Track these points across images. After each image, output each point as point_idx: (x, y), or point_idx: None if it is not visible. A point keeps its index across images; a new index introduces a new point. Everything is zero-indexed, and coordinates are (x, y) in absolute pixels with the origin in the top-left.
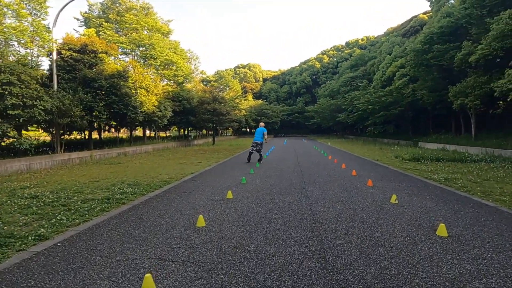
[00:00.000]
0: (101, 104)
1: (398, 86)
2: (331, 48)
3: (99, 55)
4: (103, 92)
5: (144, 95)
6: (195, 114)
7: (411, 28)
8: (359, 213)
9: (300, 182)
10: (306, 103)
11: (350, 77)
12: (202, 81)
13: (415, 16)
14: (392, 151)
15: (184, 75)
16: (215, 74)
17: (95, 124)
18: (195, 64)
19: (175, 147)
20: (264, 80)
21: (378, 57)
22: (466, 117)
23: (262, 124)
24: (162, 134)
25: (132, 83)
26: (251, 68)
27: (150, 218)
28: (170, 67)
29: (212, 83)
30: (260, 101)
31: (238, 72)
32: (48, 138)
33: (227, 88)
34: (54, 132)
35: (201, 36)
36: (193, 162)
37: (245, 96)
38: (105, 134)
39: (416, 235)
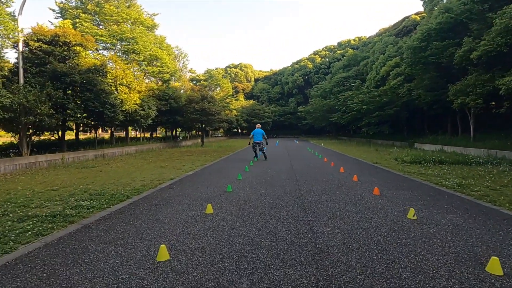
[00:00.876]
0: (76, 102)
1: (393, 86)
2: (323, 48)
3: (73, 47)
4: (78, 88)
5: (125, 93)
6: (182, 114)
7: (404, 28)
8: (373, 236)
9: (295, 191)
10: (298, 104)
11: (343, 77)
12: (192, 80)
13: (407, 17)
14: (389, 152)
15: (171, 72)
16: (205, 73)
17: (70, 124)
18: (183, 62)
19: (161, 148)
20: (256, 80)
21: (371, 57)
22: (463, 117)
23: (259, 125)
24: (148, 134)
25: (112, 79)
26: (243, 68)
27: (97, 247)
28: (155, 63)
29: (202, 82)
30: (251, 101)
31: (229, 72)
32: (15, 139)
33: (218, 88)
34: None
35: (191, 35)
36: (176, 165)
37: (237, 96)
38: (87, 135)
39: (461, 275)
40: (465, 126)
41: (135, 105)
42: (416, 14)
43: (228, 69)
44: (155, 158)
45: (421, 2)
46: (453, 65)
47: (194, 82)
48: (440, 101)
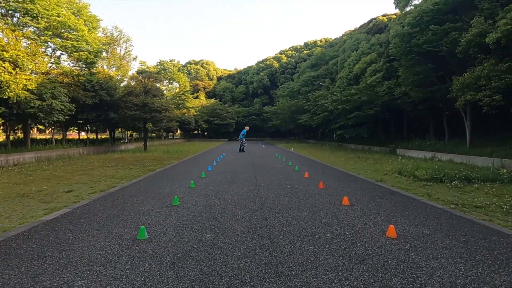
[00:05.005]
0: None
1: (371, 83)
2: (289, 48)
3: None
4: None
5: (8, 72)
6: (118, 110)
7: (375, 26)
8: None
9: (267, 266)
10: (263, 105)
11: (311, 77)
12: (141, 72)
13: (374, 18)
14: (378, 161)
15: (94, 52)
16: (157, 65)
17: None
18: (125, 47)
19: (83, 154)
20: (219, 78)
21: (342, 55)
22: (451, 119)
23: (247, 128)
24: (76, 135)
25: None
26: (204, 65)
27: None
28: (66, 35)
29: (155, 75)
30: (213, 100)
31: (189, 68)
32: None
33: (173, 83)
34: None
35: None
36: (56, 190)
37: (197, 95)
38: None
39: None
40: (454, 129)
41: (25, 92)
42: (383, 15)
43: (188, 65)
44: (49, 173)
45: (387, 4)
46: (455, 54)
47: (144, 75)
48: (427, 100)
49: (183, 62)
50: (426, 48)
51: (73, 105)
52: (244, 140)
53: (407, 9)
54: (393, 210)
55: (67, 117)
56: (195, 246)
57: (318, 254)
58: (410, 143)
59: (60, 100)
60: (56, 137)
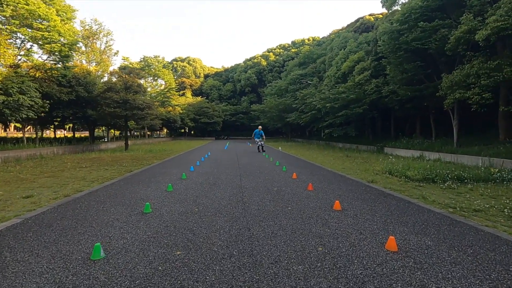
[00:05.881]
0: None
1: (359, 82)
2: (277, 46)
3: None
4: None
5: None
6: (97, 107)
7: (362, 25)
8: None
9: None
10: (251, 103)
11: (299, 75)
12: (124, 68)
13: (361, 18)
14: (367, 160)
15: (69, 45)
16: (141, 61)
17: None
18: (106, 41)
19: (59, 154)
20: (206, 76)
21: (329, 53)
22: (437, 118)
23: (260, 127)
24: (58, 134)
25: None
26: (191, 62)
27: None
28: (35, 24)
29: (137, 71)
30: (199, 98)
31: (175, 65)
32: None
33: (158, 80)
34: None
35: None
36: (13, 196)
37: (183, 92)
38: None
39: None
40: (441, 128)
41: None
42: (370, 15)
43: (174, 62)
44: (3, 176)
45: (374, 4)
46: (444, 52)
47: (126, 70)
48: (415, 99)
49: (169, 59)
50: (415, 46)
51: (47, 101)
52: (258, 139)
53: (394, 8)
54: (389, 215)
55: (41, 114)
56: (160, 268)
57: (308, 277)
58: (398, 141)
59: (29, 96)
60: (34, 135)
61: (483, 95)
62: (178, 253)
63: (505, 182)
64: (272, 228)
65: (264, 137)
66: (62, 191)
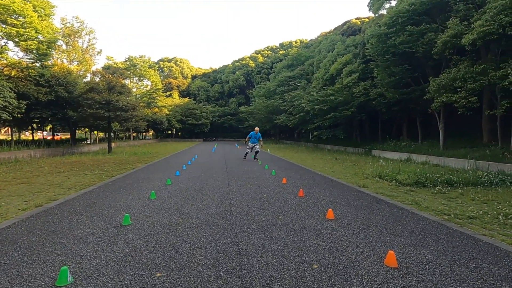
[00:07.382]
0: None
1: (347, 84)
2: (265, 48)
3: None
4: None
5: None
6: (78, 108)
7: (349, 28)
8: None
9: None
10: (239, 104)
11: (288, 77)
12: (107, 68)
13: (348, 21)
14: (355, 163)
15: (47, 42)
16: (125, 61)
17: None
18: (88, 40)
19: (37, 157)
20: (193, 77)
21: (317, 56)
22: (423, 121)
23: (257, 129)
24: (37, 136)
25: None
26: (178, 62)
27: None
28: (10, 20)
29: (121, 71)
30: (186, 99)
31: (162, 66)
32: None
33: (144, 80)
34: None
35: (115, 21)
36: None
37: (170, 93)
38: None
39: None
40: (427, 130)
41: None
42: (357, 18)
43: (161, 62)
44: None
45: (361, 8)
46: (431, 56)
47: (109, 70)
48: (402, 102)
49: (155, 59)
50: (402, 49)
51: (23, 102)
52: (251, 144)
53: (381, 12)
54: (384, 225)
55: (17, 115)
56: None
57: None
58: (385, 144)
59: (2, 96)
60: (15, 138)
61: (470, 99)
62: (158, 275)
63: (493, 186)
64: (263, 242)
65: (262, 141)
66: (34, 200)
